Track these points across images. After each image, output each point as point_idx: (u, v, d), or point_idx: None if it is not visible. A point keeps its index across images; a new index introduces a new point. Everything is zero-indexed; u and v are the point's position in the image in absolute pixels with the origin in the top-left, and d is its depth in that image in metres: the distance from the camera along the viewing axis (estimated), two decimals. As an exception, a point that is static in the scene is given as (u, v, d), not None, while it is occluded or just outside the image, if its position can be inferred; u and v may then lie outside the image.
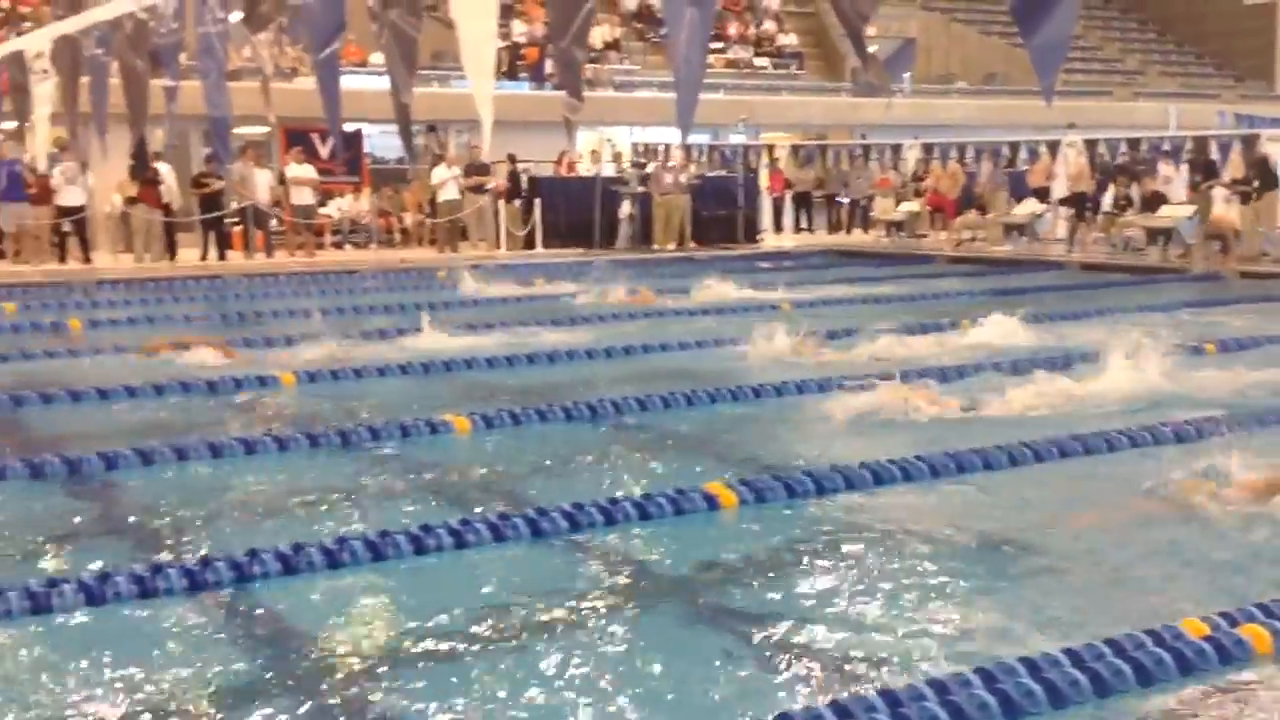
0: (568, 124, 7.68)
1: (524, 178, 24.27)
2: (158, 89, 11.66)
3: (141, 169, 20.74)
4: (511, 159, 23.86)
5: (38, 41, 13.54)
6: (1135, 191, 21.35)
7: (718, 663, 4.43)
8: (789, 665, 4.38)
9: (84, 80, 12.64)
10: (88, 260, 20.48)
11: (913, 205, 25.37)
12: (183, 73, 11.46)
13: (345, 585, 5.32)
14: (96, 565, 5.40)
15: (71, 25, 12.69)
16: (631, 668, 4.42)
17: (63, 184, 20.07)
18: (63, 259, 20.74)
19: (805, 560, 5.59)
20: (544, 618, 4.89)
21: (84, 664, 4.47)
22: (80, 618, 4.92)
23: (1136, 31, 44.39)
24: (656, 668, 4.41)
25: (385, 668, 4.43)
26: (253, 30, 10.85)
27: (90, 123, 13.06)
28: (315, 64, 8.67)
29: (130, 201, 20.92)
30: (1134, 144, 23.46)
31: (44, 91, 13.23)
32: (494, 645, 4.64)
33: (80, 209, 20.51)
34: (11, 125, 16.79)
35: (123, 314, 14.61)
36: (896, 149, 27.37)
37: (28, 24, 27.10)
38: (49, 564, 5.57)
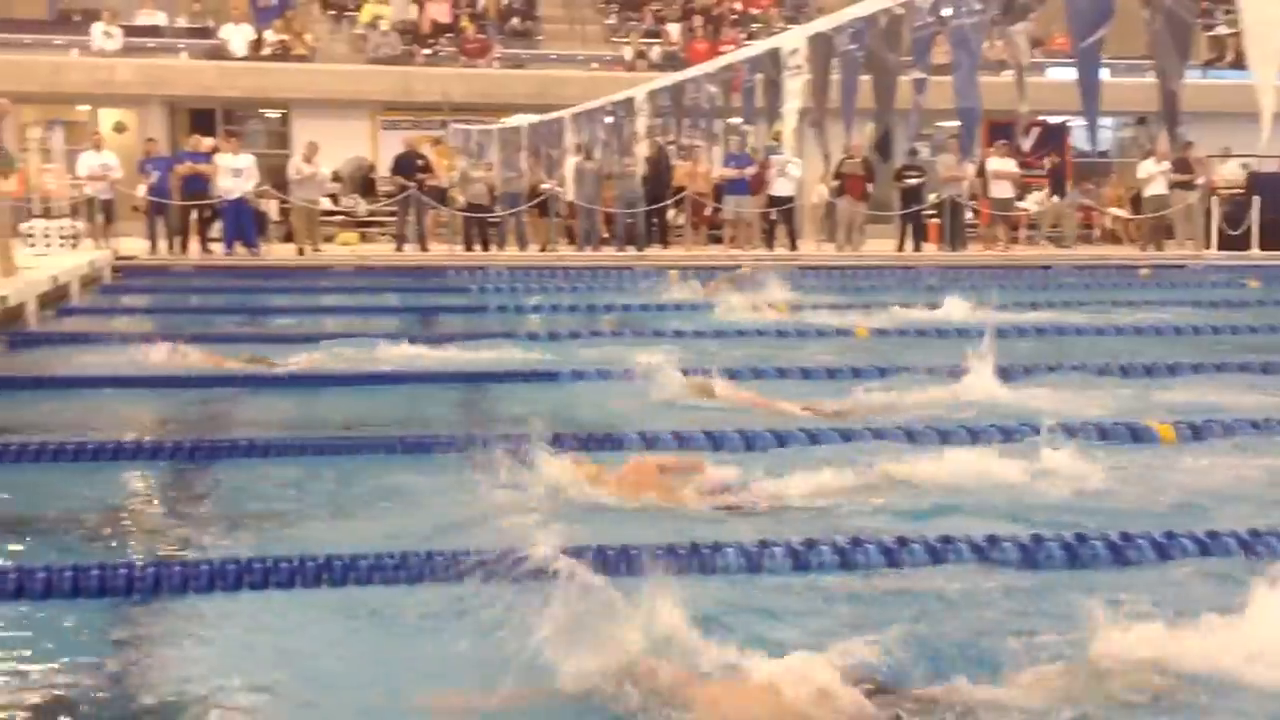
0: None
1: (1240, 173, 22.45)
2: (902, 83, 12.01)
3: (883, 160, 21.50)
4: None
5: (794, 40, 14.46)
6: None
7: None
8: None
9: (833, 76, 13.21)
10: (794, 247, 21.81)
11: None
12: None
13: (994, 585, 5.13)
14: (801, 534, 5.66)
15: (827, 23, 13.32)
16: None
17: (775, 175, 21.53)
18: (770, 245, 22.27)
19: None
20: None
21: (790, 627, 4.69)
22: (783, 579, 5.19)
23: None
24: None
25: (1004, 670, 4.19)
26: (1009, 22, 10.89)
27: (835, 117, 13.60)
28: (1078, 53, 8.46)
29: (836, 193, 21.99)
30: None
31: (794, 86, 14.11)
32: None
33: (789, 199, 21.88)
34: (756, 122, 17.94)
35: (824, 299, 15.38)
36: None
37: (757, 24, 29.34)
38: (758, 527, 5.92)
